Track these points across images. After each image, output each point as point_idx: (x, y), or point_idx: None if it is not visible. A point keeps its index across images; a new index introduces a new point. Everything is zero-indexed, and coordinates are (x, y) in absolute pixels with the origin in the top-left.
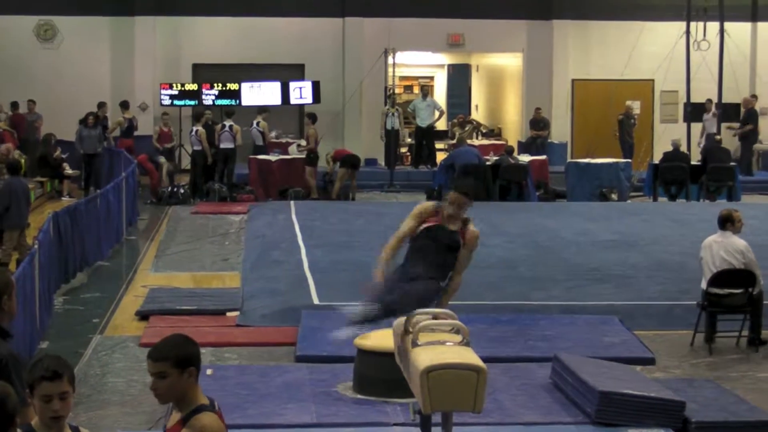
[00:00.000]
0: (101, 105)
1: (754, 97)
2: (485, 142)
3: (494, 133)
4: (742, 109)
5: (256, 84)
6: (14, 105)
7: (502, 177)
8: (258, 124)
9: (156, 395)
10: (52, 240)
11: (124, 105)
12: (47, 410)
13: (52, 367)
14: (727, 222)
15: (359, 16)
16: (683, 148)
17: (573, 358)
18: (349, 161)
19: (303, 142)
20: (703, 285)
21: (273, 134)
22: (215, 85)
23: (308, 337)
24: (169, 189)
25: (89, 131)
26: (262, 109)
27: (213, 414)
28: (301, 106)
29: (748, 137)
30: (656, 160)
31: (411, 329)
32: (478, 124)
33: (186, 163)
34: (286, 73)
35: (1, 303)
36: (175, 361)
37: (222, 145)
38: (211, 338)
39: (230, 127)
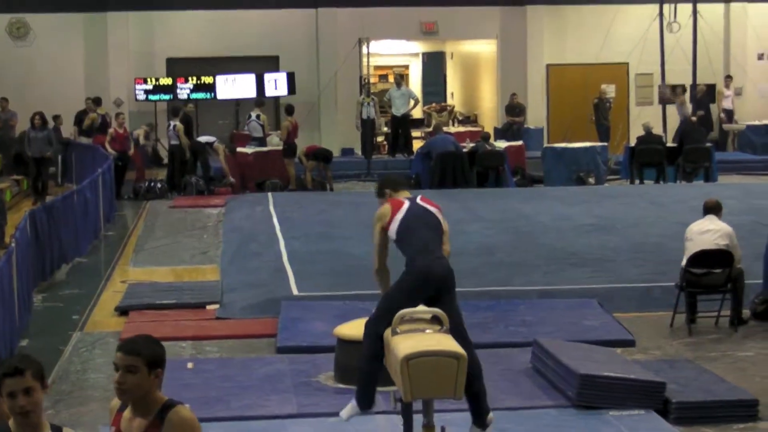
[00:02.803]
0: (91, 100)
1: (730, 77)
2: (461, 129)
3: (470, 119)
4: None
5: (231, 77)
6: None
7: (479, 164)
8: (258, 117)
9: (120, 390)
10: (29, 238)
11: (96, 101)
12: (14, 406)
13: (13, 364)
14: (719, 211)
15: (332, 7)
16: (659, 130)
17: (553, 343)
18: (321, 155)
19: (280, 133)
20: (683, 264)
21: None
22: (190, 78)
23: (288, 328)
24: (147, 183)
25: (36, 133)
26: (259, 102)
27: (186, 407)
28: (277, 98)
29: (706, 120)
30: (633, 143)
31: None
32: (453, 108)
33: (162, 157)
34: (260, 65)
35: None
36: (147, 359)
37: (193, 139)
38: (191, 332)
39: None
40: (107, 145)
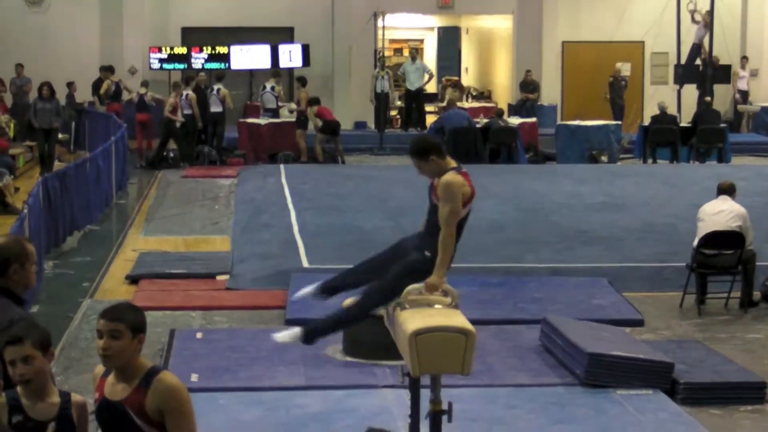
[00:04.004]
0: (106, 68)
1: (746, 58)
2: (475, 104)
3: (484, 95)
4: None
5: (245, 47)
6: None
7: (492, 140)
8: (273, 88)
9: (105, 356)
10: (41, 204)
11: (109, 69)
12: (14, 374)
13: (14, 332)
14: (733, 192)
15: None
16: (674, 110)
17: (562, 320)
18: (329, 127)
19: (293, 105)
20: (695, 245)
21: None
22: (204, 48)
23: (298, 300)
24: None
25: (44, 104)
26: (274, 73)
27: (171, 373)
28: (291, 69)
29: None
30: (647, 122)
31: None
32: (459, 82)
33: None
34: (275, 36)
35: (8, 271)
36: (130, 324)
37: (210, 109)
38: (201, 302)
39: (218, 90)
40: (169, 114)
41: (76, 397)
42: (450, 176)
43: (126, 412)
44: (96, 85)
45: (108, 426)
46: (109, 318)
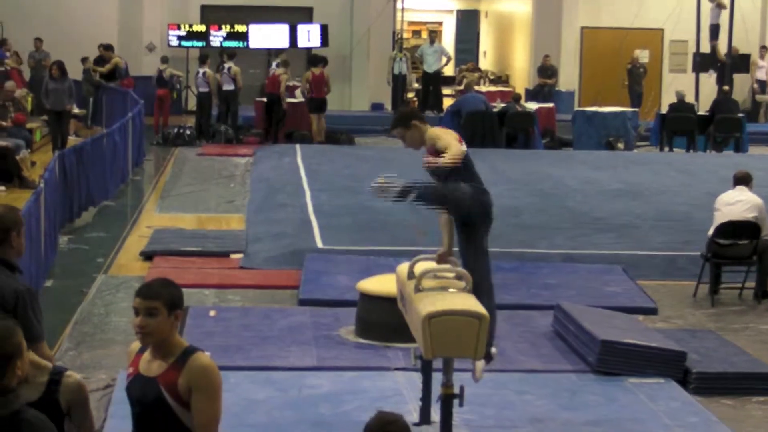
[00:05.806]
0: (107, 47)
1: (765, 47)
2: (492, 88)
3: (502, 80)
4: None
5: (264, 26)
6: None
7: (509, 124)
8: (278, 65)
9: (142, 334)
10: (57, 179)
11: (109, 48)
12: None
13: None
14: (749, 182)
15: None
16: (692, 99)
17: (575, 307)
18: (313, 104)
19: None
20: (710, 234)
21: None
22: (223, 26)
23: (312, 280)
24: (177, 129)
25: (55, 84)
26: (278, 52)
27: (206, 354)
28: (309, 49)
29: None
30: (664, 110)
31: (414, 275)
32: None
33: (192, 104)
34: (294, 15)
35: (9, 239)
36: (166, 301)
37: (222, 87)
38: (214, 280)
39: (229, 69)
40: (282, 94)
41: (69, 378)
42: (433, 128)
43: (159, 389)
44: (97, 64)
45: (139, 402)
46: (145, 296)
